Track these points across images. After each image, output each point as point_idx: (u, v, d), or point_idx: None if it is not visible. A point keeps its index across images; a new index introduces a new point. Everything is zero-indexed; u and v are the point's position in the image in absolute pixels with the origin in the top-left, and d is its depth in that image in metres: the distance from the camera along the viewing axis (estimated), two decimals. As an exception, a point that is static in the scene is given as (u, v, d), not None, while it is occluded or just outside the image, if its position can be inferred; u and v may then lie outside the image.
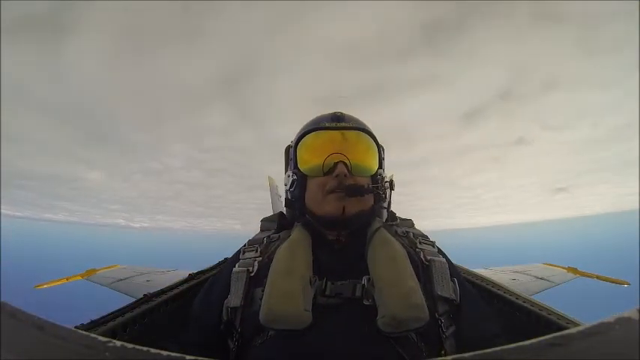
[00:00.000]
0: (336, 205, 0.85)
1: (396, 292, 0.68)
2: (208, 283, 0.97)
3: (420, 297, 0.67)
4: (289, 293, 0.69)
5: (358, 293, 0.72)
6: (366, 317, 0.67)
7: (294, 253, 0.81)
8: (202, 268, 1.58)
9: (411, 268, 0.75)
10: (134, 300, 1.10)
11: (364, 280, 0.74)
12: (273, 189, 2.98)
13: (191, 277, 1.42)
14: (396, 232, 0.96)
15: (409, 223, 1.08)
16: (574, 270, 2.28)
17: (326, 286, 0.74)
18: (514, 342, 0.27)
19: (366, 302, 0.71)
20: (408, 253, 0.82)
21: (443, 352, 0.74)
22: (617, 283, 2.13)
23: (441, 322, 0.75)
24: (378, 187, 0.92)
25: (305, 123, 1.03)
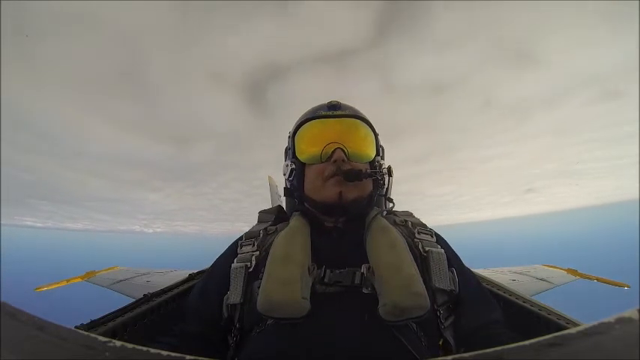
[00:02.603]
0: (335, 190, 0.84)
1: (397, 280, 0.66)
2: (206, 275, 0.95)
3: (420, 285, 0.66)
4: (287, 281, 0.67)
5: (357, 281, 0.71)
6: (366, 305, 0.66)
7: (293, 241, 0.79)
8: (202, 268, 1.57)
9: (411, 256, 0.74)
10: (134, 300, 1.10)
11: (363, 269, 0.72)
12: (272, 188, 2.99)
13: (191, 277, 1.42)
14: (394, 221, 0.94)
15: (407, 213, 1.07)
16: (574, 271, 2.27)
17: (325, 274, 0.73)
18: (514, 341, 0.27)
19: (365, 290, 0.69)
20: (407, 243, 0.80)
21: (441, 341, 0.75)
22: (616, 286, 2.11)
23: (440, 314, 0.75)
24: (376, 172, 0.90)
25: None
